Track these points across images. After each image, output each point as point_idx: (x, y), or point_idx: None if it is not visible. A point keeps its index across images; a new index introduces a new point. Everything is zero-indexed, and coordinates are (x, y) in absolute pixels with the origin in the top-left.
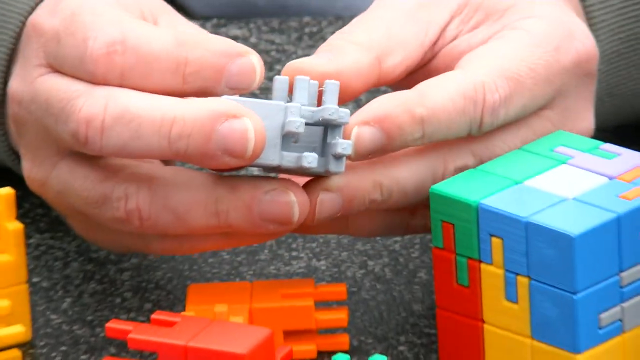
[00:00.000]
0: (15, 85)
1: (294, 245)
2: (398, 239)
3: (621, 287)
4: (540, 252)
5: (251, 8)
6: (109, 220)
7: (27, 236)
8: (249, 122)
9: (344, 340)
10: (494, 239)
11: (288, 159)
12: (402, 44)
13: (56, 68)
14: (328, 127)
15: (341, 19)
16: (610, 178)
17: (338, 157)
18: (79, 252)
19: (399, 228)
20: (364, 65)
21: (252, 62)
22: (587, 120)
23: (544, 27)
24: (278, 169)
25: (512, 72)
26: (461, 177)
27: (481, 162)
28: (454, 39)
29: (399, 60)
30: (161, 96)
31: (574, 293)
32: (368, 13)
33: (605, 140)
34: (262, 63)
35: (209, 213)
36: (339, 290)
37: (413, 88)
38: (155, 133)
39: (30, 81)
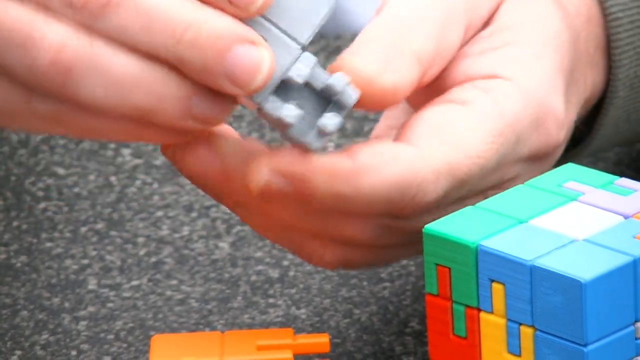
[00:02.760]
0: None
1: (270, 292)
2: (387, 283)
3: (637, 338)
4: (547, 299)
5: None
6: (24, 65)
7: None
8: (266, 56)
9: None
10: (494, 285)
11: (272, 103)
12: (444, 54)
13: None
14: (331, 102)
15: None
16: (626, 217)
17: (322, 134)
18: (29, 299)
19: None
20: (414, 81)
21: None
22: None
23: (516, 106)
24: (259, 112)
25: (460, 172)
26: (458, 215)
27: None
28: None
29: (436, 72)
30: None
31: (584, 345)
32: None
33: (621, 174)
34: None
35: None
36: (321, 341)
37: (354, 159)
38: (165, 32)
39: None
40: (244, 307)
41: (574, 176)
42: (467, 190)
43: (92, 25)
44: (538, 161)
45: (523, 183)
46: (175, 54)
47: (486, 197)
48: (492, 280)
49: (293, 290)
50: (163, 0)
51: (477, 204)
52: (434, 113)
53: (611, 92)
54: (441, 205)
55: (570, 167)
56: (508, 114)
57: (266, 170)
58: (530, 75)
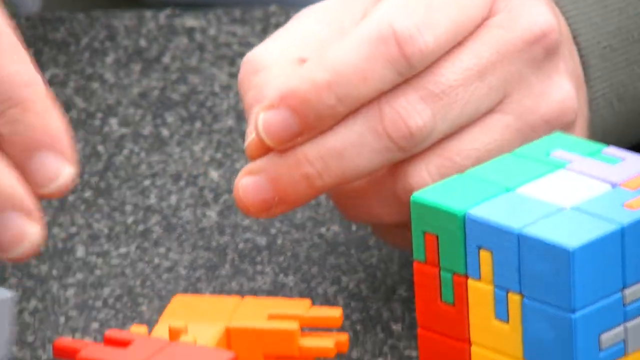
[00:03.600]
0: None
1: (258, 259)
2: (375, 251)
3: (624, 305)
4: (534, 267)
5: None
6: None
7: None
8: (34, 230)
9: None
10: (482, 252)
11: None
12: None
13: None
14: None
15: None
16: (614, 185)
17: None
18: (17, 266)
19: (391, 200)
20: None
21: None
22: (540, 8)
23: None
24: None
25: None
26: (446, 183)
27: (430, 93)
28: None
29: None
30: None
31: (572, 312)
32: None
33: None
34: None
35: None
36: (332, 316)
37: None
38: None
39: None
40: (232, 275)
41: (562, 144)
42: (453, 16)
43: None
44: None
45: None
46: None
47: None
48: (480, 248)
49: (281, 258)
50: None
51: (465, 172)
52: None
53: (584, 64)
54: (438, 35)
55: (558, 136)
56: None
57: (259, 109)
58: None
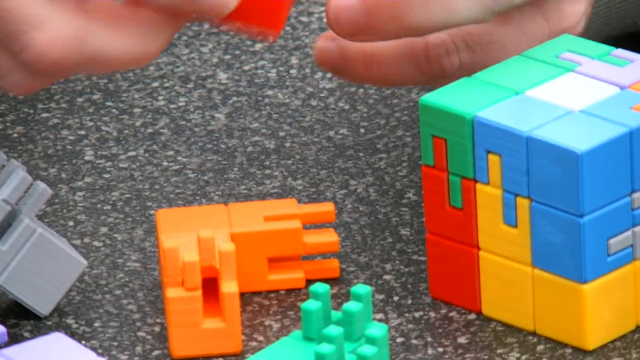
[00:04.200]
0: None
1: (267, 162)
2: (384, 154)
3: (633, 209)
4: (543, 170)
5: None
6: None
7: None
8: None
9: (334, 266)
10: (490, 156)
11: None
12: None
13: None
14: None
15: None
16: (622, 88)
17: None
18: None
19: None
20: None
21: None
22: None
23: None
24: None
25: None
26: (454, 86)
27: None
28: None
29: None
30: None
31: (580, 216)
32: None
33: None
34: None
35: None
36: (326, 210)
37: None
38: None
39: None
40: (240, 178)
41: (570, 47)
42: None
43: None
44: None
45: None
46: None
47: None
48: (488, 152)
49: (289, 161)
50: None
51: (473, 75)
52: None
53: None
54: None
55: (566, 38)
56: None
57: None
58: None
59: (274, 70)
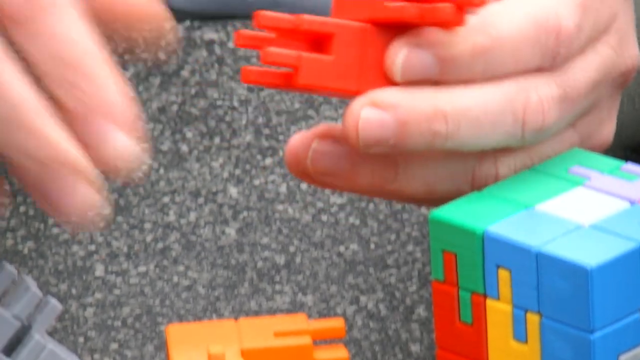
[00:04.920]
0: None
1: (277, 278)
2: (394, 269)
3: None
4: (553, 286)
5: (239, 3)
6: None
7: None
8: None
9: None
10: (501, 271)
11: None
12: None
13: None
14: None
15: None
16: (632, 202)
17: None
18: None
19: (463, 177)
20: None
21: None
22: (635, 46)
23: None
24: None
25: None
26: (464, 200)
27: (565, 94)
28: None
29: None
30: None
31: (591, 332)
32: None
33: (626, 159)
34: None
35: None
36: (336, 326)
37: (475, 16)
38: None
39: None
40: (251, 294)
41: (580, 161)
42: (593, 22)
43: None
44: None
45: (624, 25)
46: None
47: (603, 45)
48: (499, 267)
49: (300, 277)
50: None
51: (483, 190)
52: None
53: None
54: (582, 40)
55: (576, 152)
56: None
57: (405, 44)
58: None
59: (284, 185)
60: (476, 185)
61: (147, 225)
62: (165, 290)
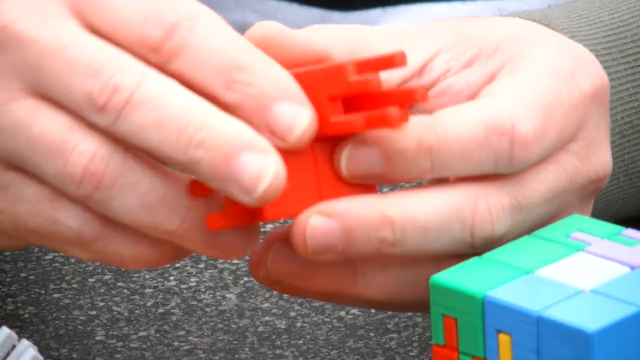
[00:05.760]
0: (12, 9)
1: (278, 343)
2: (394, 334)
3: None
4: (554, 350)
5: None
6: (55, 172)
7: None
8: (271, 165)
9: None
10: (501, 336)
11: None
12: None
13: (87, 16)
14: None
15: None
16: (632, 267)
17: None
18: (39, 350)
19: (422, 285)
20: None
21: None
22: (607, 153)
23: (552, 55)
24: None
25: (541, 101)
26: (465, 265)
27: (517, 204)
28: (443, 75)
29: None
30: (201, 98)
31: None
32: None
33: (626, 225)
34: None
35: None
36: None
37: (431, 114)
38: (177, 131)
39: (44, 14)
40: (252, 358)
41: (581, 227)
42: (559, 129)
43: (113, 128)
44: (599, 101)
45: (595, 133)
46: (186, 156)
47: (569, 154)
48: (499, 331)
49: (300, 341)
50: (177, 99)
51: (484, 255)
52: (489, 85)
53: None
54: (545, 146)
55: (576, 218)
56: (550, 61)
57: (350, 141)
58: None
59: None
60: None
61: (148, 291)
62: (166, 354)
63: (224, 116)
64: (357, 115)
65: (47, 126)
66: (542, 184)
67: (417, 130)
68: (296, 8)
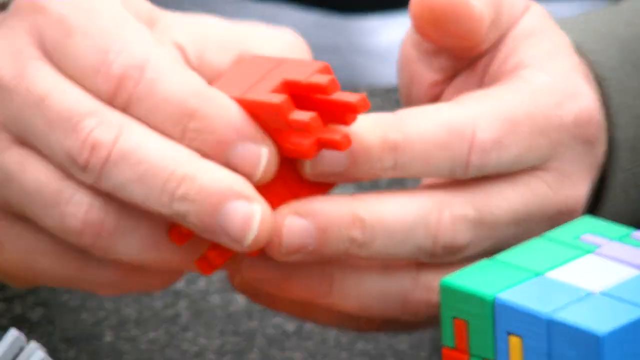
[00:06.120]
0: None
1: (287, 345)
2: (405, 336)
3: None
4: (564, 352)
5: None
6: (54, 223)
7: None
8: (257, 212)
9: None
10: (512, 338)
11: None
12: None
13: (55, 61)
14: None
15: None
16: None
17: None
18: (47, 352)
19: (395, 300)
20: (488, 21)
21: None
22: (582, 189)
23: (546, 79)
24: None
25: (508, 115)
26: (475, 268)
27: (480, 218)
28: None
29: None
30: (179, 146)
31: None
32: None
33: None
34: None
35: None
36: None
37: (393, 113)
38: (159, 185)
39: (20, 60)
40: None
41: (591, 228)
42: (522, 148)
43: (98, 185)
44: (581, 136)
45: (570, 167)
46: (171, 210)
47: (539, 180)
48: (509, 333)
49: (309, 343)
50: (156, 152)
51: (494, 257)
52: (466, 93)
53: (613, 153)
54: (502, 159)
55: (586, 220)
56: (541, 84)
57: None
58: (553, 65)
59: None
60: (408, 310)
61: (157, 292)
62: (175, 356)
63: (203, 164)
64: (306, 141)
65: (39, 177)
66: (508, 203)
67: (383, 128)
68: (295, 13)
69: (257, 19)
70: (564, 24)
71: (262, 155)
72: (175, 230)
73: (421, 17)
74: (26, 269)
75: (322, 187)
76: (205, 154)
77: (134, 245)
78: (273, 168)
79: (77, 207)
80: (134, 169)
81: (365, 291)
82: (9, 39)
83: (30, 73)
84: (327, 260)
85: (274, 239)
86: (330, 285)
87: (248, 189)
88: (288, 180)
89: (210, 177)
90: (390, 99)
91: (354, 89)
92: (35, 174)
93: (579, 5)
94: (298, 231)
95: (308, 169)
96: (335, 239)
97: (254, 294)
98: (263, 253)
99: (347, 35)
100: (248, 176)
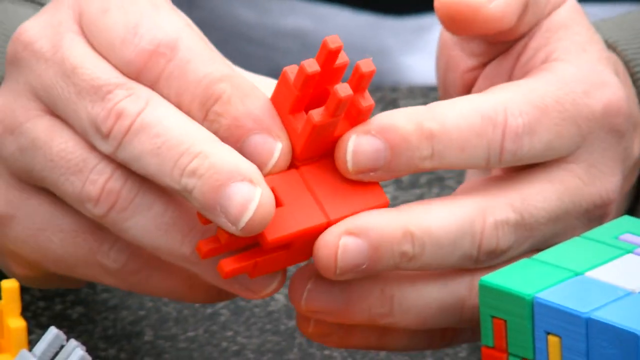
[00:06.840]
0: (33, 28)
1: None
2: None
3: None
4: (603, 352)
5: (297, 35)
6: (73, 190)
7: (29, 332)
8: (257, 195)
9: None
10: (551, 337)
11: None
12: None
13: (88, 35)
14: None
15: None
16: None
17: None
18: (87, 350)
19: (454, 308)
20: (519, 9)
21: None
22: (614, 181)
23: (574, 71)
24: None
25: (537, 101)
26: (514, 267)
27: (521, 220)
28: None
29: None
30: (200, 127)
31: None
32: None
33: None
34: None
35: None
36: None
37: (423, 106)
38: (173, 160)
39: (59, 32)
40: (300, 359)
41: (630, 228)
42: (554, 134)
43: (115, 155)
44: (609, 126)
45: (600, 159)
46: (180, 184)
47: (571, 174)
48: (548, 333)
49: None
50: (177, 127)
51: (533, 257)
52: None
53: None
54: (534, 145)
55: (626, 220)
56: (569, 74)
57: (353, 132)
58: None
59: None
60: (465, 317)
61: None
62: (214, 355)
63: (218, 145)
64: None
65: (66, 145)
66: (546, 202)
67: (418, 117)
68: (349, 14)
69: (307, 20)
70: (597, 24)
71: (276, 149)
72: None
73: (444, 21)
74: (35, 248)
75: (363, 193)
76: (222, 138)
77: (143, 224)
78: (284, 165)
79: (99, 175)
80: (152, 140)
81: (425, 304)
82: (53, 11)
83: (65, 44)
84: (375, 275)
85: (329, 260)
86: (391, 304)
87: (255, 173)
88: (326, 198)
89: (222, 156)
90: (430, 98)
91: (393, 89)
92: (62, 142)
93: (611, 8)
94: (353, 251)
95: (350, 163)
96: (387, 255)
97: (326, 336)
98: (318, 284)
99: (397, 36)
100: (258, 166)
